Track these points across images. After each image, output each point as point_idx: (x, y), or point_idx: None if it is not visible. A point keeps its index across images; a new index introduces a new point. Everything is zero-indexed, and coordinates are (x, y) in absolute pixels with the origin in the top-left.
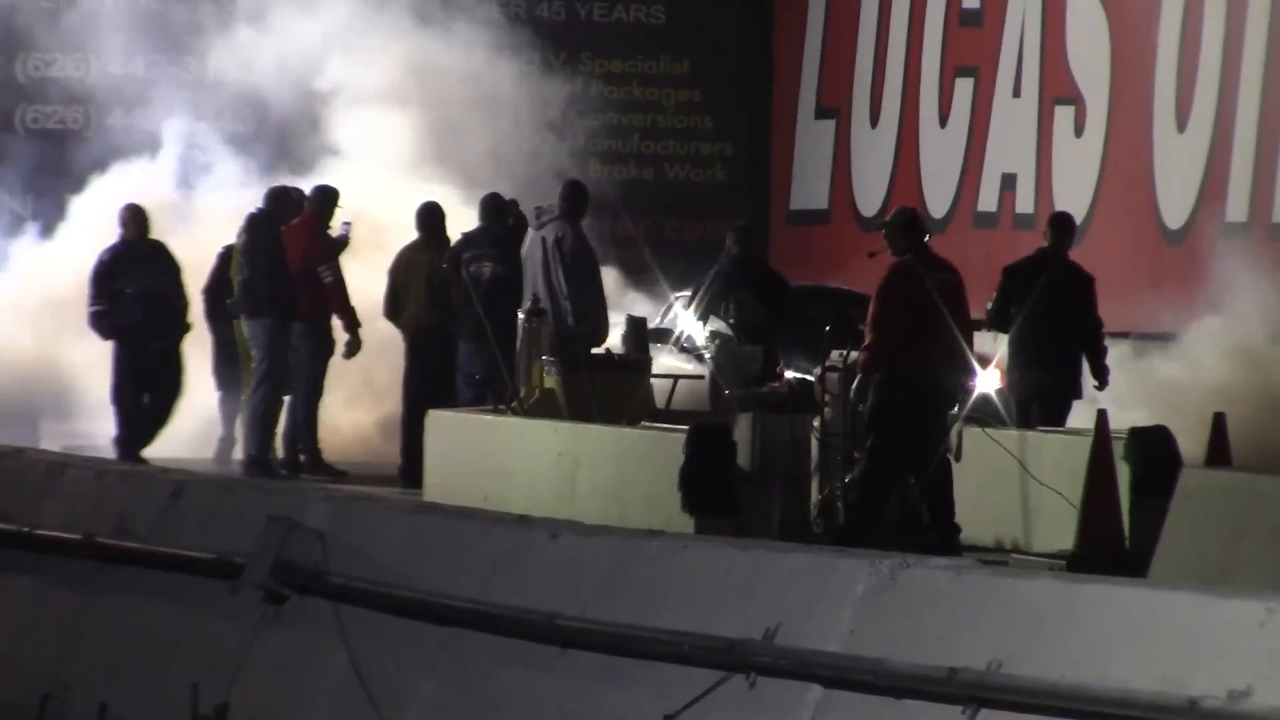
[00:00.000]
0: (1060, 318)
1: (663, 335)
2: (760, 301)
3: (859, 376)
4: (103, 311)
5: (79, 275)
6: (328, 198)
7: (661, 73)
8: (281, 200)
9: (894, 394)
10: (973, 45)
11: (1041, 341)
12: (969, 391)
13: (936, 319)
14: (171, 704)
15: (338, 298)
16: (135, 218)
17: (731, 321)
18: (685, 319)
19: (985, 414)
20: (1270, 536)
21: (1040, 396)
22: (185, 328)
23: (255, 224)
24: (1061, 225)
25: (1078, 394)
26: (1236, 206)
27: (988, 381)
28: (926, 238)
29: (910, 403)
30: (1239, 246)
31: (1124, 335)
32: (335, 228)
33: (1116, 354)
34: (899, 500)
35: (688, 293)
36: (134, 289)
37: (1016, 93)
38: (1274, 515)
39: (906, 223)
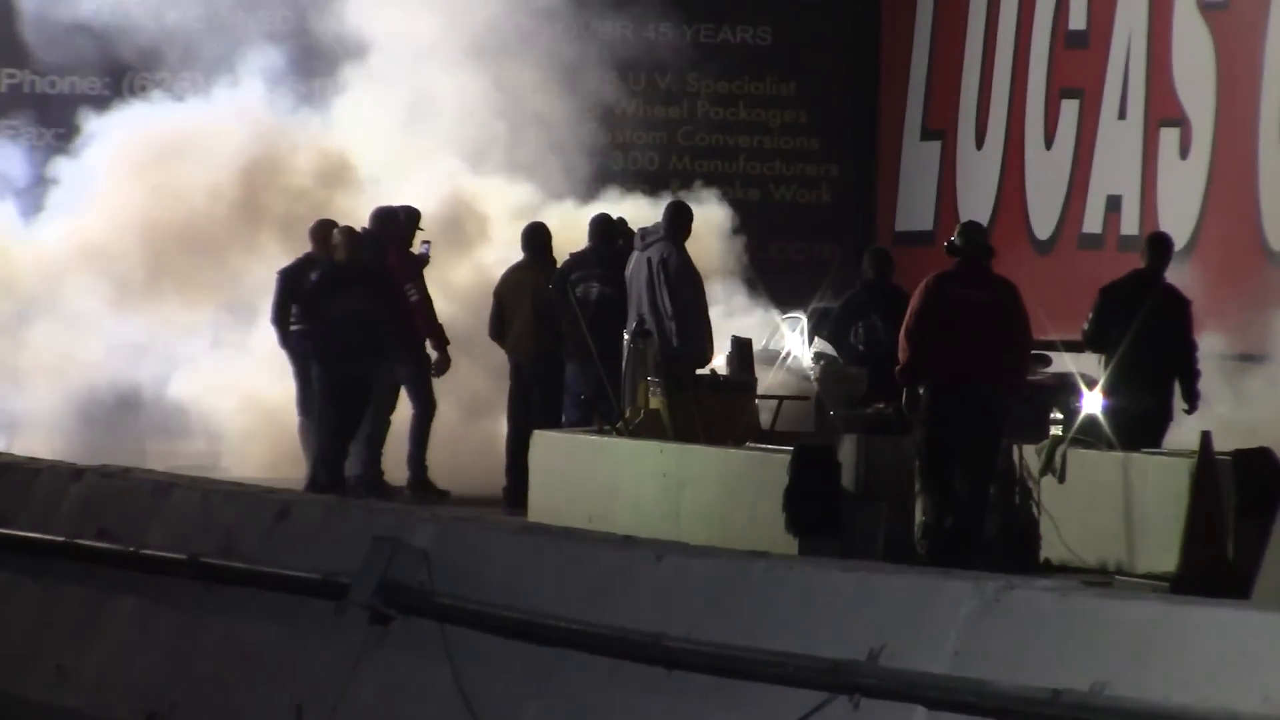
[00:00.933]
0: (1155, 340)
1: (773, 357)
2: (890, 326)
3: (904, 392)
4: (306, 332)
5: None
6: (410, 218)
7: (768, 94)
8: (389, 221)
9: (928, 408)
10: (1078, 67)
11: (1137, 364)
12: (1011, 408)
13: (966, 335)
14: None
15: (425, 315)
16: (349, 239)
17: (861, 348)
18: (793, 340)
19: (1093, 435)
20: None
21: (1136, 419)
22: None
23: (363, 246)
24: (1159, 246)
25: (1170, 417)
26: None
27: (1093, 402)
28: (986, 254)
29: (944, 417)
30: None
31: (1242, 356)
32: (416, 246)
33: (1212, 373)
34: (1005, 515)
35: (798, 314)
36: (341, 313)
37: (1122, 114)
38: None
39: (953, 239)
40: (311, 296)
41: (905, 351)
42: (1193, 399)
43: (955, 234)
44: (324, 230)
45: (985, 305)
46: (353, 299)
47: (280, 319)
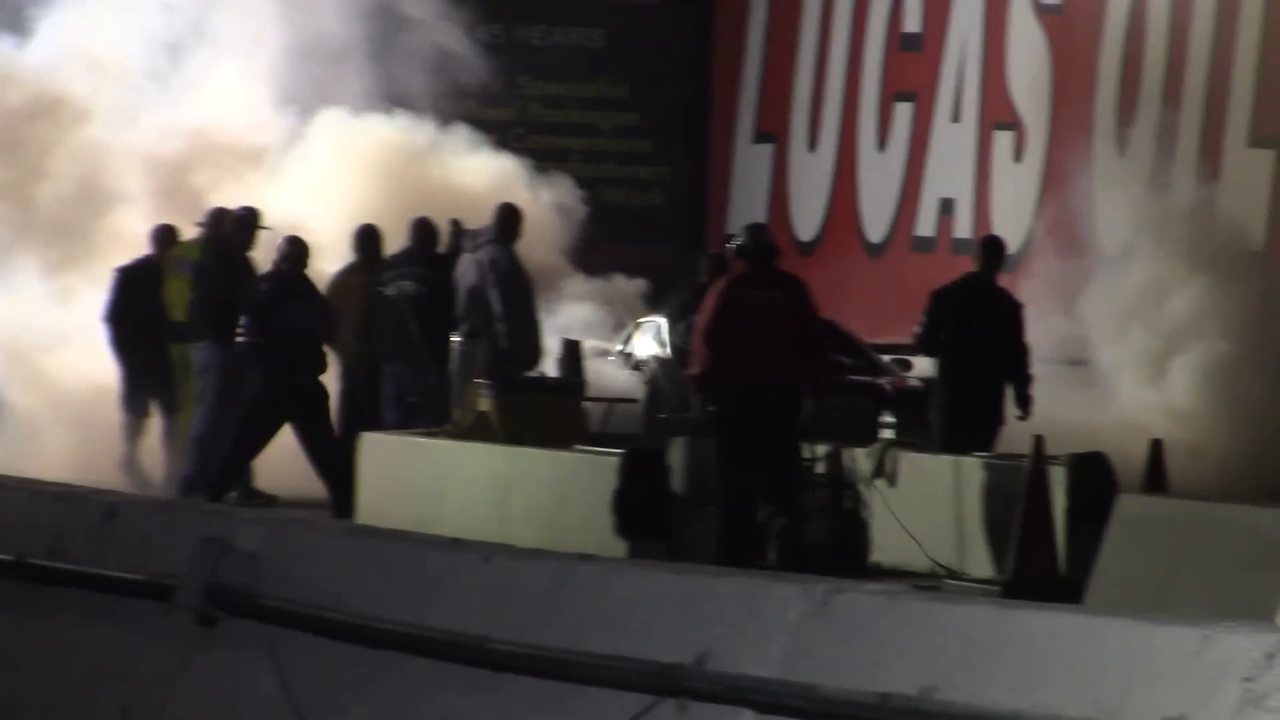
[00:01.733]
0: (987, 344)
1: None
2: None
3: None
4: (255, 343)
5: None
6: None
7: (600, 96)
8: (244, 224)
9: (724, 409)
10: (912, 70)
11: (969, 367)
12: (810, 405)
13: (761, 335)
14: None
15: None
16: (295, 248)
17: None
18: (644, 344)
19: (925, 438)
20: (1208, 563)
21: (968, 423)
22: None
23: (210, 247)
24: (992, 249)
25: (1001, 420)
26: None
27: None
28: (773, 254)
29: (737, 416)
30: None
31: (1073, 361)
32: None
33: (1045, 377)
34: (832, 522)
35: (654, 318)
36: (292, 324)
37: (956, 117)
38: (1212, 542)
39: (740, 242)
40: (263, 307)
41: (701, 355)
42: (1025, 403)
43: (741, 236)
44: (217, 220)
45: (777, 304)
46: (304, 310)
47: (115, 317)
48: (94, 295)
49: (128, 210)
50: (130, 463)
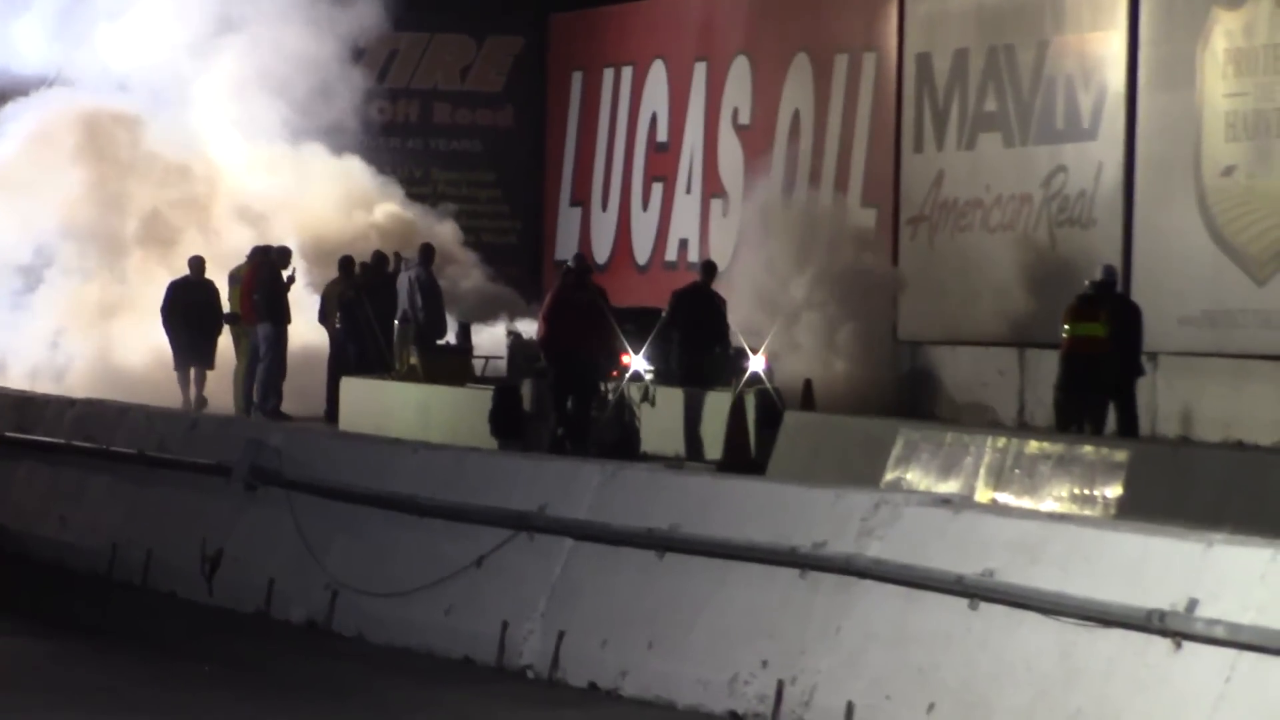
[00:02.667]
0: (705, 324)
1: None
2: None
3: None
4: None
5: None
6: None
7: (479, 180)
8: (265, 251)
9: (556, 365)
10: (662, 162)
11: (694, 338)
12: (611, 368)
13: (577, 321)
14: (189, 549)
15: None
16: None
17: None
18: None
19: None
20: (839, 453)
21: (697, 371)
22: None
23: (263, 268)
24: (708, 268)
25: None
26: None
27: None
28: (587, 272)
29: (565, 370)
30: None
31: (752, 333)
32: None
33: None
34: (619, 427)
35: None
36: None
37: (688, 190)
38: (840, 441)
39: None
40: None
41: (543, 331)
42: (726, 361)
43: (571, 261)
44: (264, 251)
45: (588, 301)
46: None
47: (167, 312)
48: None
49: None
50: (184, 398)
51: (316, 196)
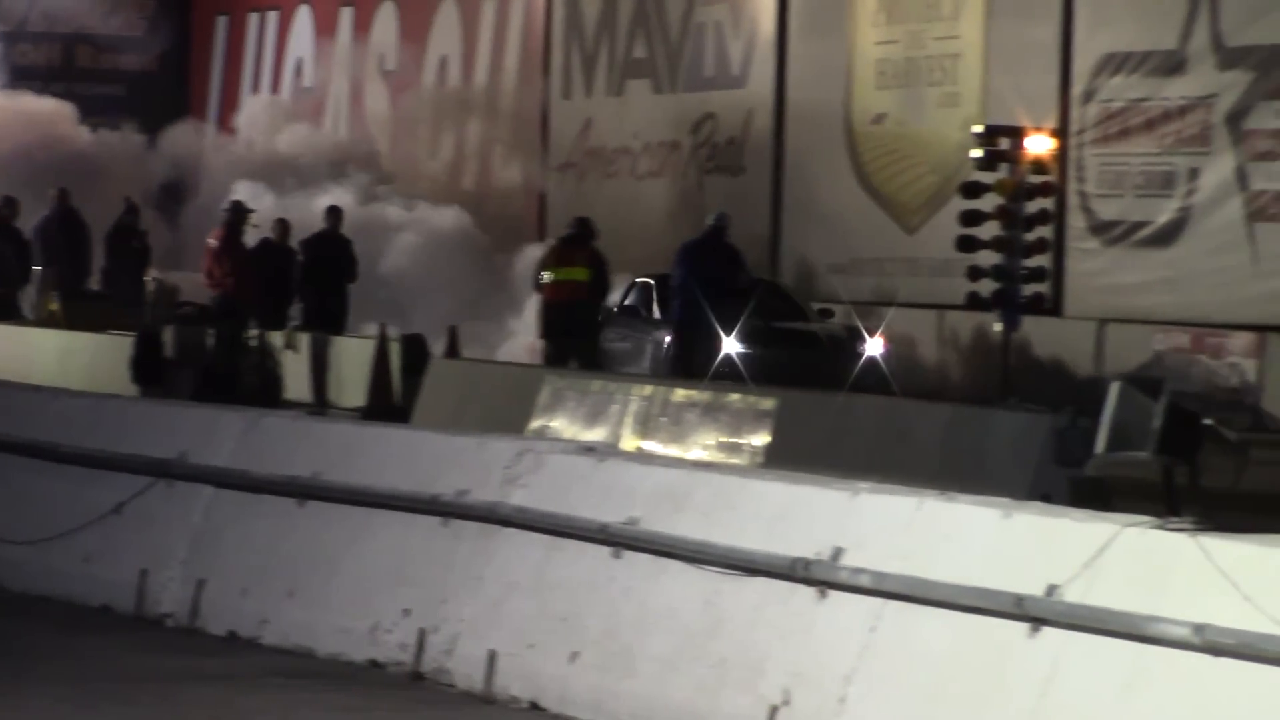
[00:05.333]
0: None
1: None
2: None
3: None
4: None
5: None
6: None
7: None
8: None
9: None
10: (308, 107)
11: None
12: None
13: (245, 269)
14: None
15: None
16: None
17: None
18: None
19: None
20: (485, 401)
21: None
22: None
23: None
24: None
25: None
26: None
27: (874, 346)
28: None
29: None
30: None
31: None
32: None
33: None
34: (260, 376)
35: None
36: None
37: (336, 132)
38: (486, 388)
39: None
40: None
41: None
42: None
43: (226, 204)
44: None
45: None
46: None
47: None
48: None
49: None
50: None
51: None
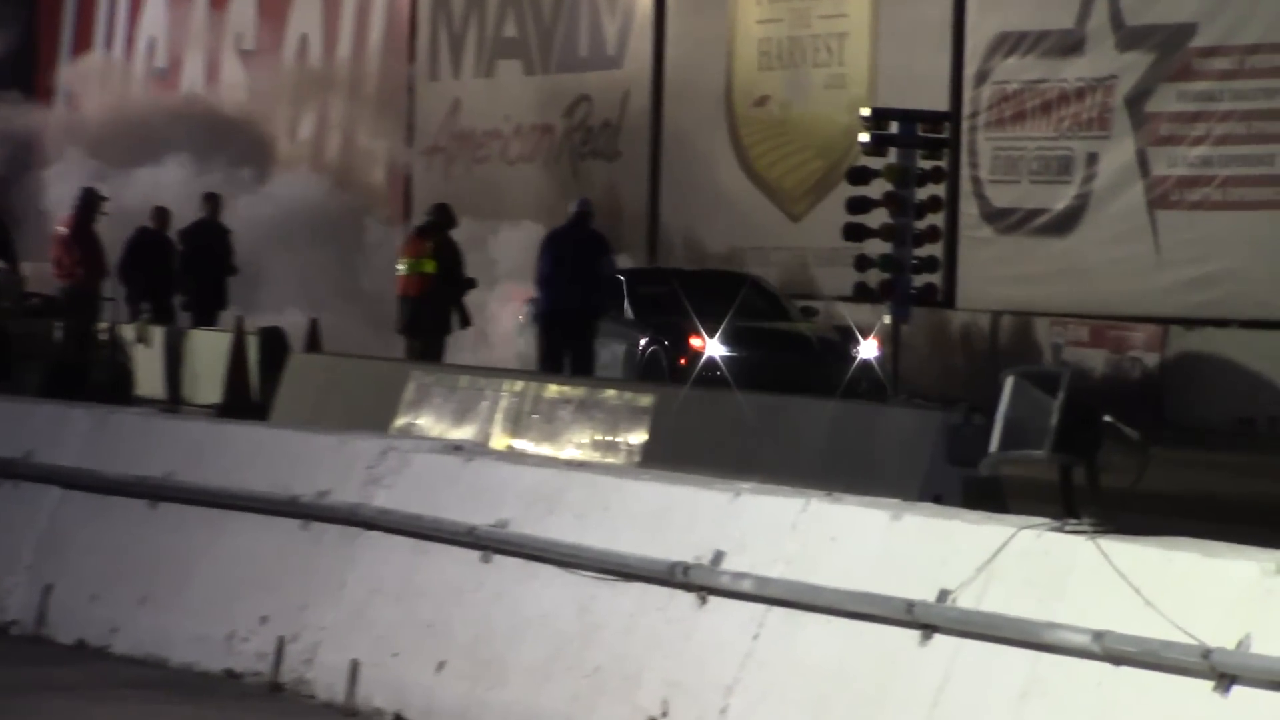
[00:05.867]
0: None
1: None
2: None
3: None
4: None
5: None
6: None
7: None
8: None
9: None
10: (163, 88)
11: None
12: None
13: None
14: None
15: None
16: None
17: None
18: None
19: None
20: (348, 397)
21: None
22: None
23: None
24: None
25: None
26: None
27: (868, 349)
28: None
29: (78, 308)
30: None
31: None
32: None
33: None
34: (110, 370)
35: None
36: None
37: None
38: (349, 384)
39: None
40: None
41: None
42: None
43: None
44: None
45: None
46: None
47: None
48: None
49: None
50: None
51: None
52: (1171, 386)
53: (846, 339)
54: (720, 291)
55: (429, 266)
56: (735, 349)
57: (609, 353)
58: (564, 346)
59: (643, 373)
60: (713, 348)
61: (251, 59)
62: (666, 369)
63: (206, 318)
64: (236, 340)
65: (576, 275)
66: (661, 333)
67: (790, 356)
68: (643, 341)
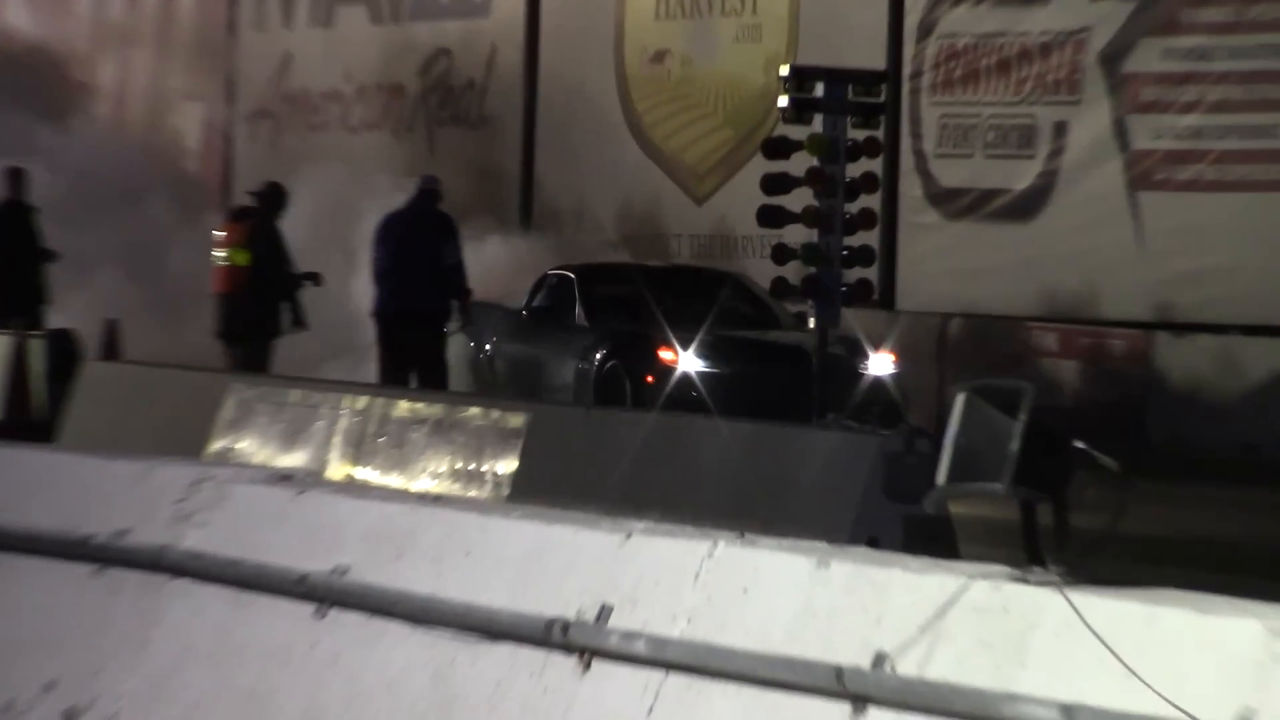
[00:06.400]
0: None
1: None
2: None
3: None
4: None
5: None
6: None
7: None
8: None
9: None
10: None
11: None
12: None
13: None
14: None
15: None
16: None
17: None
18: None
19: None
20: (149, 414)
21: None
22: None
23: None
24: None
25: None
26: None
27: (880, 363)
28: None
29: None
30: None
31: None
32: None
33: None
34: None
35: None
36: None
37: None
38: (153, 403)
39: None
40: None
41: None
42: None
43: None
44: None
45: None
46: None
47: None
48: None
49: None
50: None
51: None
52: (1157, 405)
53: (853, 352)
54: (694, 292)
55: (241, 258)
56: (715, 363)
57: (554, 369)
58: (407, 354)
59: (599, 393)
60: (687, 361)
61: (39, 2)
62: (629, 389)
63: (25, 314)
64: (16, 346)
65: (420, 267)
66: (622, 344)
67: (783, 373)
68: (599, 355)
